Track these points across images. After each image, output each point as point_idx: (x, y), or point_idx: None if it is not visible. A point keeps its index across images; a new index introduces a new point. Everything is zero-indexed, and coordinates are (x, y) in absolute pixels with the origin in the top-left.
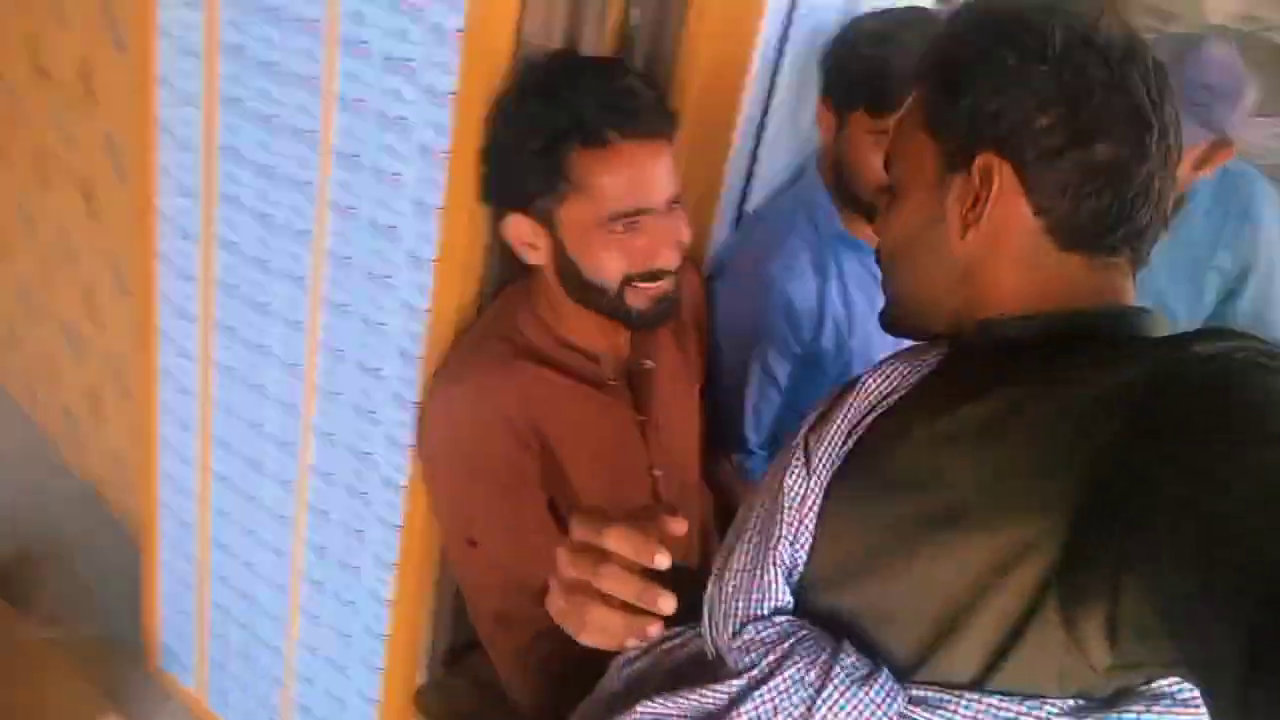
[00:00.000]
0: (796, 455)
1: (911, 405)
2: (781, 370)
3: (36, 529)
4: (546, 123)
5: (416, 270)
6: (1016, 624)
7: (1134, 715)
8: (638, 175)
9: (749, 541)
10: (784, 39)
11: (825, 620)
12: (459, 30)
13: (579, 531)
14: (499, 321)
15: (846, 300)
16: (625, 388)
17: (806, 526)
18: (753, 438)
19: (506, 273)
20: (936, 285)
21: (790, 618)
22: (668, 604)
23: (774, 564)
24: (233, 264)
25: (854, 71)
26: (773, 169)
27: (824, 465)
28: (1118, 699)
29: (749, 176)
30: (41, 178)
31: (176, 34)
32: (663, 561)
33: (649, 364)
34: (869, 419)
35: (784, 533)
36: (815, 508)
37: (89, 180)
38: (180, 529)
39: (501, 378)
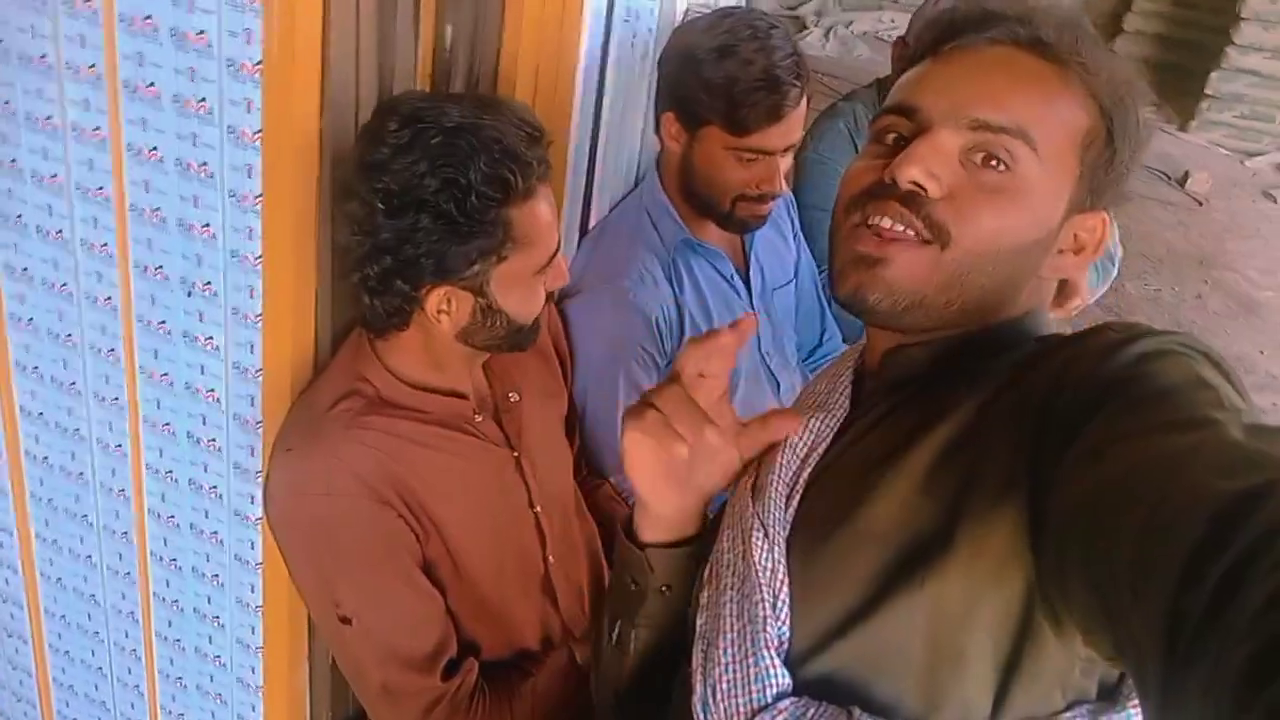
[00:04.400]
0: (755, 527)
1: (854, 456)
2: (648, 382)
3: None
4: (485, 188)
5: (242, 326)
6: (1015, 640)
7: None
8: (554, 215)
9: (731, 630)
10: (605, 49)
11: (818, 689)
12: (256, 63)
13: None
14: (343, 377)
15: (703, 304)
16: (493, 423)
17: (783, 600)
18: None
19: (340, 326)
20: (1004, 293)
21: (793, 699)
22: (713, 436)
23: (767, 647)
24: (32, 344)
25: (703, 89)
26: (611, 182)
27: (778, 532)
28: (1117, 696)
29: (588, 191)
30: None
31: None
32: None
33: (514, 396)
34: (804, 476)
35: (767, 611)
36: (785, 578)
37: None
38: (11, 641)
39: (351, 439)
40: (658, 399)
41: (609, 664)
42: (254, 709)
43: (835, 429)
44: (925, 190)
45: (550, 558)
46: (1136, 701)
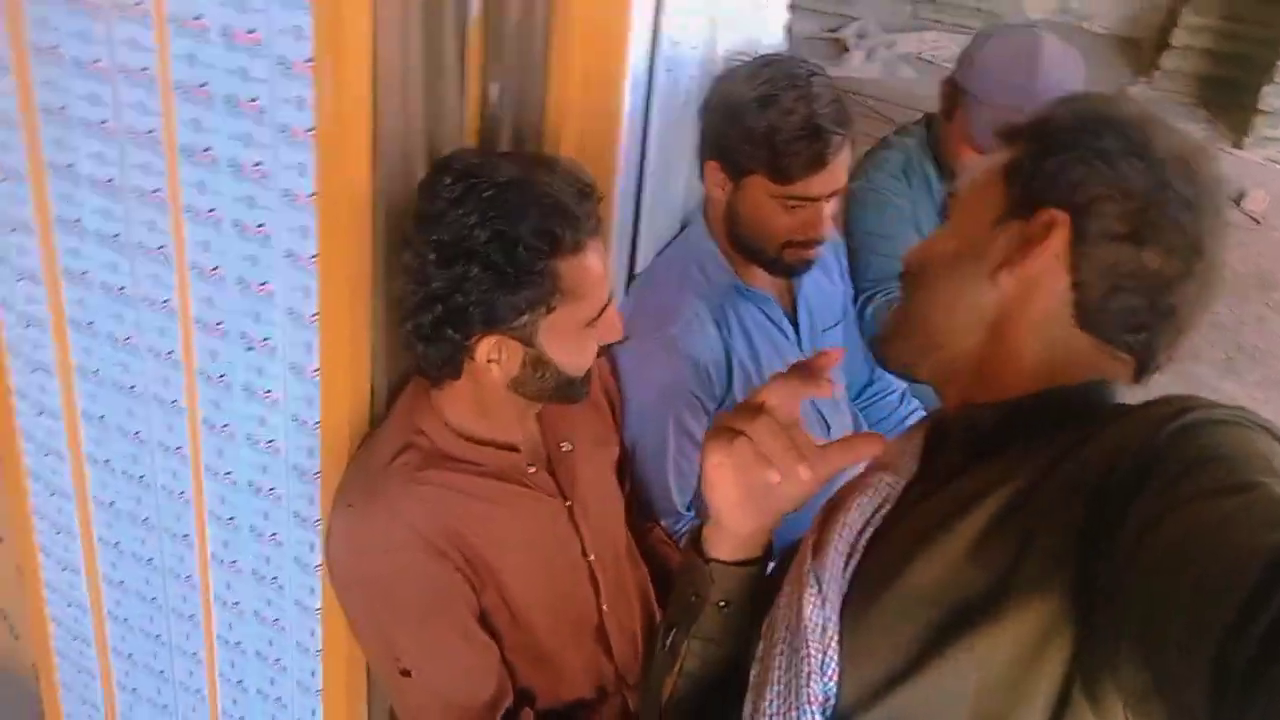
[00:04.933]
0: (810, 585)
1: (914, 518)
2: (698, 428)
3: None
4: (533, 240)
5: (300, 381)
6: (1052, 715)
7: None
8: (604, 268)
9: (778, 682)
10: (648, 99)
11: None
12: (308, 128)
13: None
14: (399, 431)
15: (752, 348)
16: (546, 474)
17: (831, 657)
18: (679, 499)
19: (395, 380)
20: (953, 320)
21: None
22: (805, 472)
23: (809, 702)
24: (98, 393)
25: (745, 139)
26: (656, 229)
27: (833, 591)
28: None
29: (634, 240)
30: None
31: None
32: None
33: (566, 446)
34: (865, 536)
35: (813, 668)
36: (835, 636)
37: None
38: (80, 676)
39: (408, 493)
40: (748, 427)
41: (658, 673)
42: None
43: (900, 490)
44: None
45: (604, 606)
46: None
